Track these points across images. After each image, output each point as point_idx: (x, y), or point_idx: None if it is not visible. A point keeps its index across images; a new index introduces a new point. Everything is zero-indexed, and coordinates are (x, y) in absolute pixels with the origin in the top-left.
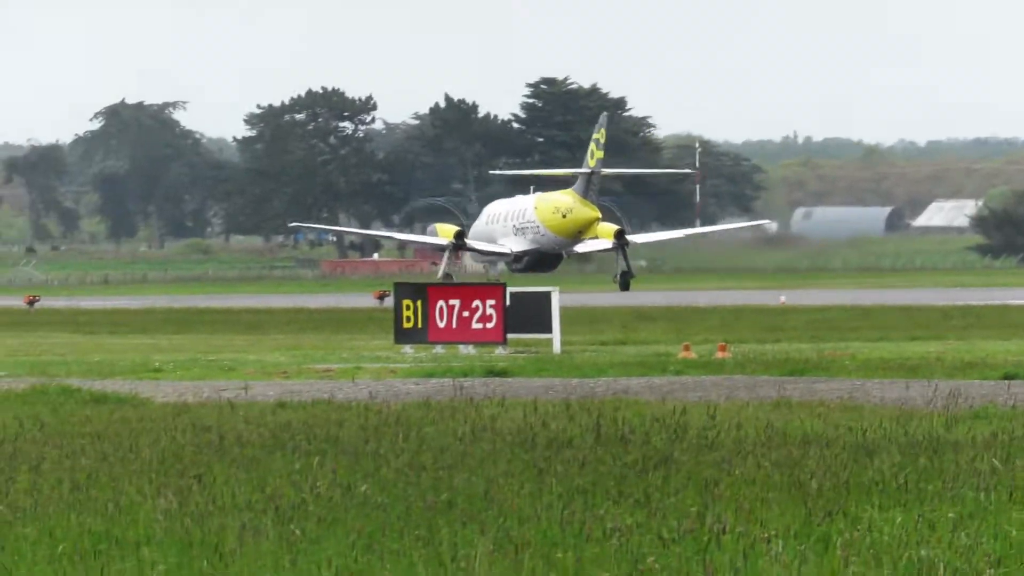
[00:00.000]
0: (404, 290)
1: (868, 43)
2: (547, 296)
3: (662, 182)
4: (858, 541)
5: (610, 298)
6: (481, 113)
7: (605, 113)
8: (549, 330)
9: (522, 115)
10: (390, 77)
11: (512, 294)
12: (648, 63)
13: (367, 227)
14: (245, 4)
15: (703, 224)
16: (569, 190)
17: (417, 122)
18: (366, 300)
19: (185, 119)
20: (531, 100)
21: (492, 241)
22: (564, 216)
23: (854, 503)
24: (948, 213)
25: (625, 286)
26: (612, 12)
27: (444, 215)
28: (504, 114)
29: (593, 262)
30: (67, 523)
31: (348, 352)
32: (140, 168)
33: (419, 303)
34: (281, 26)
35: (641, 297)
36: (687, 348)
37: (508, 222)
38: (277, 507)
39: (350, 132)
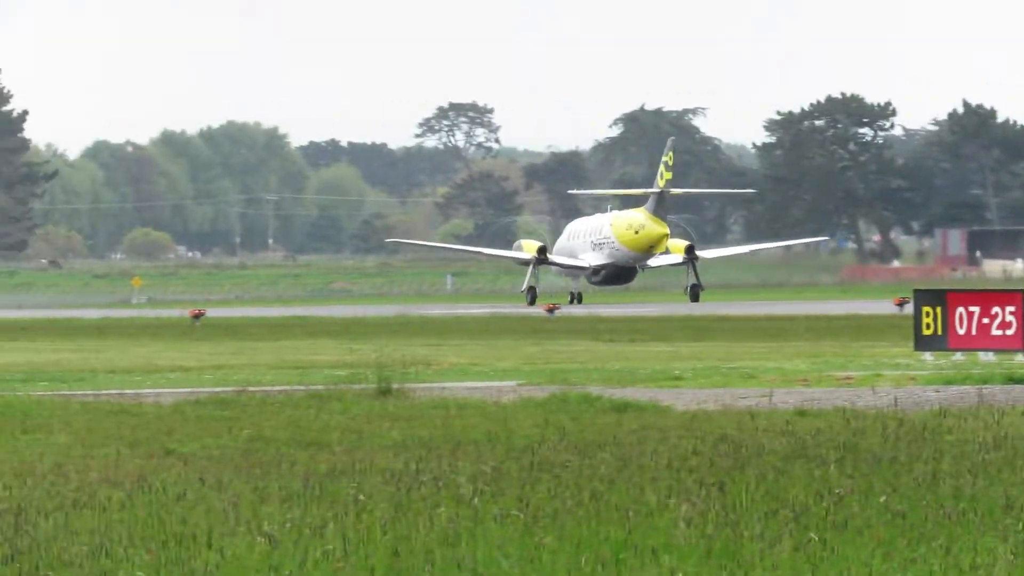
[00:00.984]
0: (924, 297)
1: None
2: None
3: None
4: None
5: None
6: (1000, 119)
7: (672, 138)
8: None
9: None
10: (909, 83)
11: None
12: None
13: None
14: (764, 10)
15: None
16: (641, 208)
17: (936, 128)
18: (885, 307)
19: (704, 125)
20: None
21: (573, 256)
22: (636, 232)
23: None
24: None
25: (695, 298)
26: None
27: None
28: None
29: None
30: (586, 531)
31: (868, 359)
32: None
33: (938, 310)
34: (804, 31)
35: None
36: None
37: (587, 238)
38: (796, 515)
39: (869, 138)
